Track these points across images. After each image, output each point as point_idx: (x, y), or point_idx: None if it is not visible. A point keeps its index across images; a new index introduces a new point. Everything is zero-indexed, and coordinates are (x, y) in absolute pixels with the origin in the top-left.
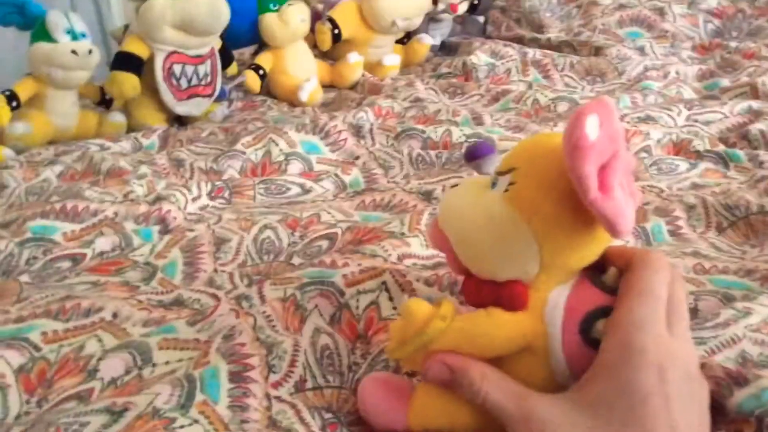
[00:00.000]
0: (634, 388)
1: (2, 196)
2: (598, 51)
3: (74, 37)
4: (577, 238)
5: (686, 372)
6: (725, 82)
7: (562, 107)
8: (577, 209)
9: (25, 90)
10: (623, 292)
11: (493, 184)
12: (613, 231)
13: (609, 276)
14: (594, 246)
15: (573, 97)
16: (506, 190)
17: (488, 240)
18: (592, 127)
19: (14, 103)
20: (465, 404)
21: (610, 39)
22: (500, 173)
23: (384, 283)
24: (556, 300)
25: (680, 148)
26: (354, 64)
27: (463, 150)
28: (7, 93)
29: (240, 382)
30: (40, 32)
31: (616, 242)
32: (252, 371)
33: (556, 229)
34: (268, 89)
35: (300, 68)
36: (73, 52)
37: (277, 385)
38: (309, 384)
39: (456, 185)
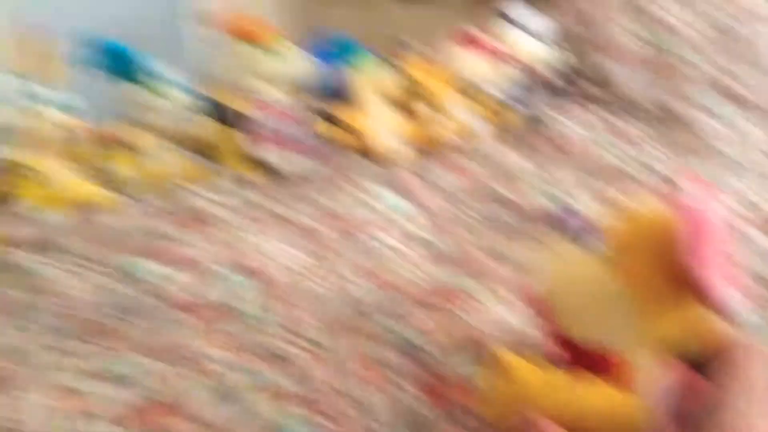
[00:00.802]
0: None
1: None
2: None
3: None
4: (679, 312)
5: None
6: None
7: None
8: (681, 285)
9: None
10: (721, 380)
11: (595, 252)
12: (724, 316)
13: (707, 360)
14: (699, 328)
15: None
16: (612, 259)
17: (594, 307)
18: (709, 222)
19: None
20: None
21: None
22: (607, 246)
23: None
24: (656, 379)
25: None
26: None
27: (549, 213)
28: None
29: None
30: None
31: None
32: None
33: (660, 301)
34: None
35: None
36: None
37: None
38: None
39: (555, 250)
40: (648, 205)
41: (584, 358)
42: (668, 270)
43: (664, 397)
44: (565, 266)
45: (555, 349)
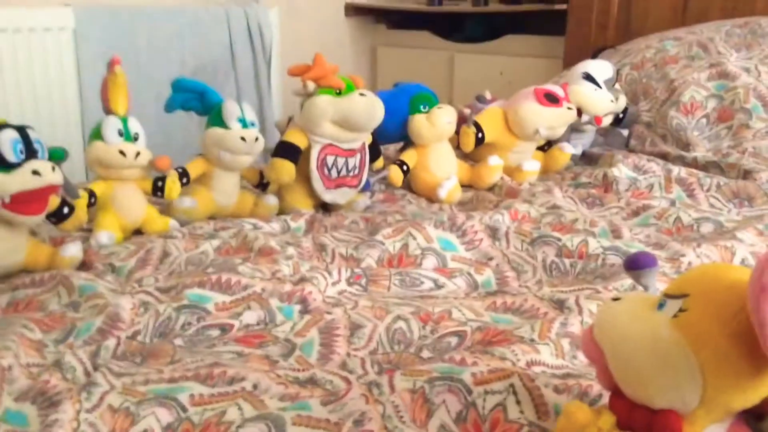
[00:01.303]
0: None
1: (165, 263)
2: (747, 174)
3: (245, 125)
4: (744, 378)
5: None
6: None
7: (706, 228)
8: (749, 350)
9: (195, 169)
10: None
11: (661, 305)
12: None
13: (767, 424)
14: (761, 389)
15: (719, 219)
16: (676, 315)
17: (650, 363)
18: None
19: (185, 180)
20: None
21: (760, 163)
22: (670, 296)
23: (512, 385)
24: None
25: None
26: (494, 167)
27: (625, 258)
28: (180, 170)
29: None
30: (216, 118)
31: None
32: None
33: (725, 366)
34: (408, 184)
35: (442, 167)
36: (243, 138)
37: None
38: None
39: (618, 298)
40: (714, 259)
41: (638, 415)
42: (737, 328)
43: None
44: (621, 312)
45: (612, 404)
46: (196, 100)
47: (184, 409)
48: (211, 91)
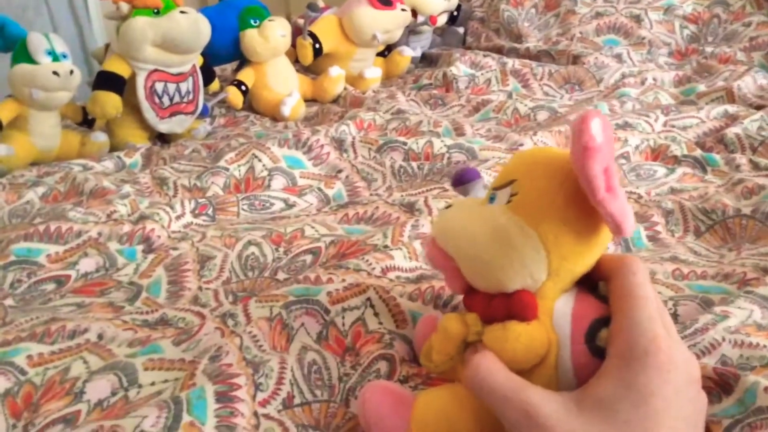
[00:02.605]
0: (637, 388)
1: None
2: (576, 59)
3: (55, 58)
4: (583, 242)
5: (688, 374)
6: (702, 87)
7: (542, 116)
8: (582, 213)
9: (6, 112)
10: (616, 298)
11: (491, 199)
12: (619, 230)
13: (602, 285)
14: (597, 250)
15: (552, 106)
16: (509, 201)
17: (497, 251)
18: (598, 130)
19: None
20: (466, 412)
21: (587, 47)
22: (498, 187)
23: (368, 299)
24: (563, 309)
25: (658, 154)
26: (335, 77)
27: (452, 175)
28: None
29: (227, 402)
30: (21, 54)
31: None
32: (239, 390)
33: (564, 233)
34: (250, 105)
35: (282, 83)
36: (55, 73)
37: (264, 402)
38: (297, 400)
39: (450, 205)
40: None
41: (495, 305)
42: (567, 196)
43: (575, 327)
44: (458, 215)
45: (469, 303)
46: None
47: (23, 372)
48: (12, 23)
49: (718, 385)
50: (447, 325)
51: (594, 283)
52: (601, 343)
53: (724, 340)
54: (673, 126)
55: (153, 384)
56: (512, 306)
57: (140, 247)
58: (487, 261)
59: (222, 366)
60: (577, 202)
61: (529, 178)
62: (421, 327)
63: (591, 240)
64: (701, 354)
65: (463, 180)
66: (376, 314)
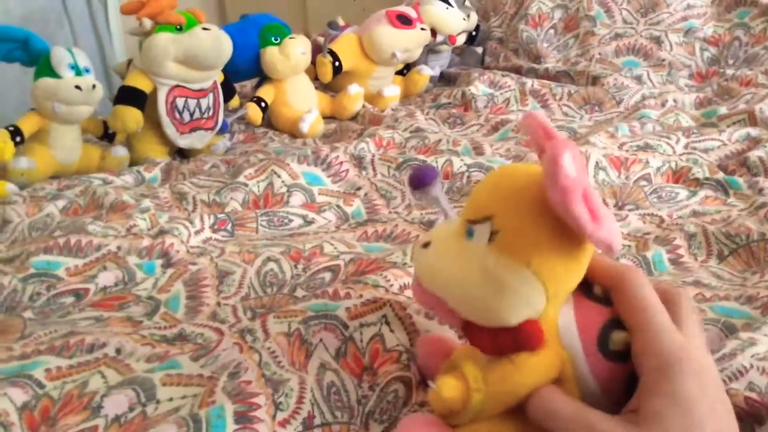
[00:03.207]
0: (683, 397)
1: (5, 232)
2: (595, 80)
3: (78, 72)
4: (573, 259)
5: (716, 377)
6: (723, 109)
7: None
8: (565, 235)
9: (28, 125)
10: (630, 310)
11: (469, 234)
12: (611, 251)
13: (597, 287)
14: (586, 260)
15: (572, 126)
16: (491, 239)
17: (490, 295)
18: (570, 164)
19: (18, 138)
20: None
21: (607, 68)
22: (474, 221)
23: (384, 316)
24: (566, 324)
25: (680, 176)
26: (354, 95)
27: (407, 178)
28: (11, 128)
29: (246, 423)
30: (44, 68)
31: None
32: (258, 410)
33: (555, 260)
34: (269, 121)
35: (301, 100)
36: (77, 87)
37: (284, 423)
38: (317, 420)
39: (427, 243)
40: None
41: (501, 339)
42: (550, 224)
43: (584, 338)
44: (439, 258)
45: (473, 338)
46: (20, 50)
47: (41, 385)
48: (36, 38)
49: (750, 414)
50: (442, 392)
51: (588, 285)
52: (615, 346)
53: (752, 366)
54: (695, 148)
55: (171, 400)
56: (519, 338)
57: (159, 262)
58: (483, 305)
59: (242, 383)
60: (560, 225)
61: (510, 214)
62: (422, 349)
63: (580, 255)
64: (728, 380)
65: (424, 182)
66: (392, 331)
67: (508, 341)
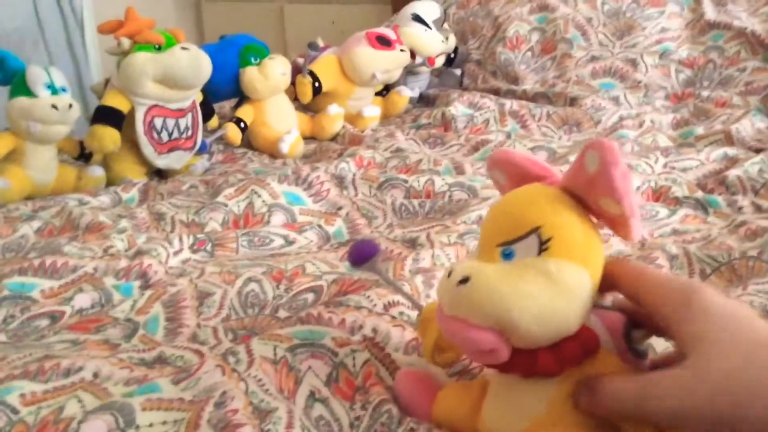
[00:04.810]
0: (711, 311)
1: None
2: (573, 101)
3: (54, 91)
4: (601, 252)
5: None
6: (699, 130)
7: (541, 156)
8: (595, 231)
9: (3, 145)
10: (631, 284)
11: (507, 255)
12: (638, 237)
13: (606, 298)
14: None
15: (551, 146)
16: (543, 249)
17: (563, 301)
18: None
19: None
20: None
21: (584, 90)
22: (512, 241)
23: (371, 353)
24: (595, 325)
25: (660, 195)
26: (334, 115)
27: (348, 255)
28: None
29: None
30: (20, 87)
31: None
32: None
33: (597, 257)
34: (248, 142)
35: (281, 121)
36: (53, 106)
37: None
38: None
39: (465, 279)
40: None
41: (567, 351)
42: (587, 221)
43: (611, 331)
44: (495, 285)
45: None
46: None
47: (15, 411)
48: (11, 56)
49: None
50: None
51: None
52: (638, 344)
53: None
54: (674, 167)
55: (151, 425)
56: (585, 345)
57: (137, 283)
58: (555, 314)
59: (227, 413)
60: (591, 222)
61: (557, 220)
62: (405, 388)
63: (601, 247)
64: None
65: (366, 256)
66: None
67: (573, 351)
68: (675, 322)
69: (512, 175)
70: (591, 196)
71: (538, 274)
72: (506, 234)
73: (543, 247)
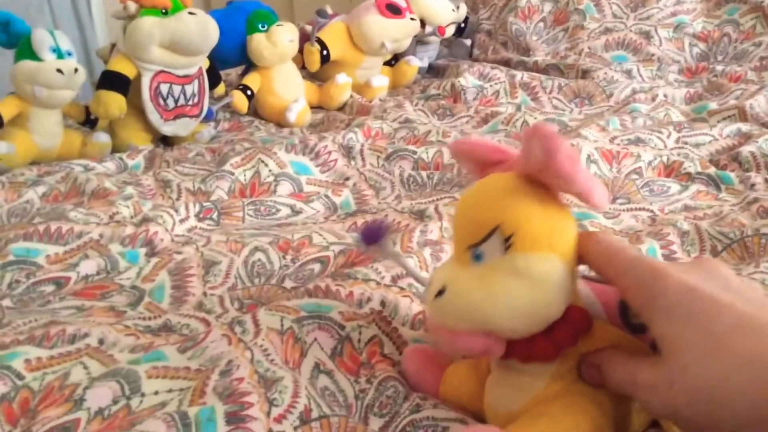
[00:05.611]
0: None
1: None
2: (585, 74)
3: (60, 55)
4: (570, 225)
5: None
6: (713, 104)
7: (554, 128)
8: (556, 205)
9: (8, 109)
10: (602, 267)
11: (477, 257)
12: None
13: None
14: (572, 218)
15: (562, 119)
16: (508, 246)
17: (540, 294)
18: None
19: None
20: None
21: (596, 62)
22: (478, 243)
23: (378, 327)
24: (585, 293)
25: (671, 170)
26: (342, 85)
27: (359, 234)
28: None
29: (239, 423)
30: (25, 50)
31: None
32: (250, 408)
33: (565, 234)
34: (255, 110)
35: (288, 89)
36: (59, 70)
37: (280, 418)
38: (314, 414)
39: (441, 291)
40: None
41: (561, 334)
42: (551, 204)
43: (604, 304)
44: (475, 288)
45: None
46: (0, 32)
47: (20, 377)
48: (16, 19)
49: None
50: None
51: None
52: (636, 319)
53: None
54: (686, 143)
55: (157, 393)
56: (576, 326)
57: (143, 251)
58: (535, 308)
59: (233, 381)
60: (550, 199)
61: (515, 212)
62: (412, 364)
63: (568, 215)
64: None
65: (379, 236)
66: (390, 340)
67: (565, 334)
68: (645, 316)
69: (475, 162)
70: (545, 179)
71: (508, 273)
72: (471, 236)
73: (507, 244)
